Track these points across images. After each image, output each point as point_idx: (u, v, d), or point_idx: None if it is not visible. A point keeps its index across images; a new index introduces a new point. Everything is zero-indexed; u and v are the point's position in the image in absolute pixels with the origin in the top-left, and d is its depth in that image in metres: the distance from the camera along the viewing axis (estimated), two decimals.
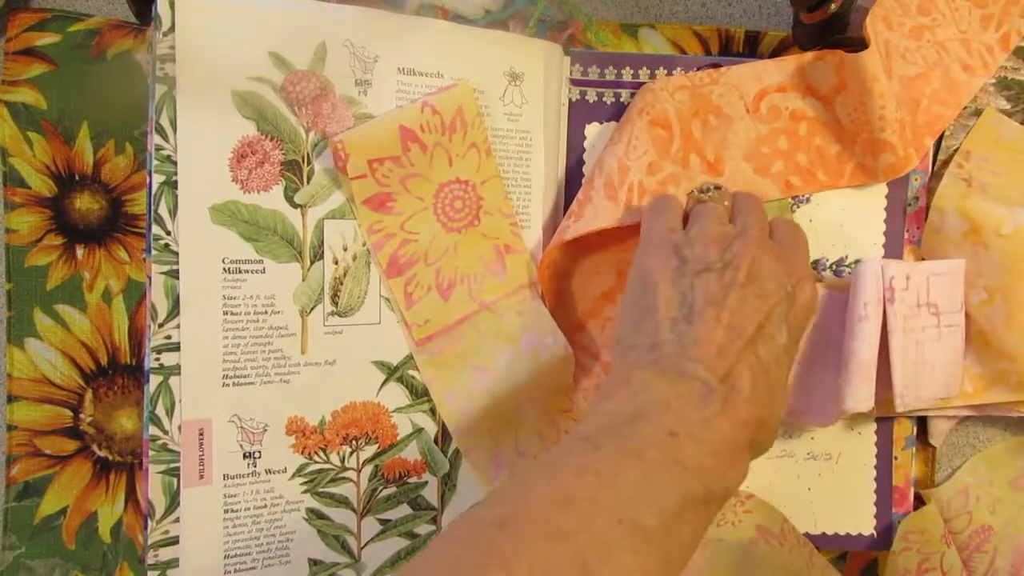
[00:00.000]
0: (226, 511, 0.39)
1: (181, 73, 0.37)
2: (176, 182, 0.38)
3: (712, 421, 0.31)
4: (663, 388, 0.32)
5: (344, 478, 0.41)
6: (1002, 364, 0.43)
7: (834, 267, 0.46)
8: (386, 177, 0.41)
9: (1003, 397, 0.44)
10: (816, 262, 0.46)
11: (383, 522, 0.42)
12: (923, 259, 0.45)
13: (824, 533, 0.45)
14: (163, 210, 0.38)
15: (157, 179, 0.38)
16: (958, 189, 0.45)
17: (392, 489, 0.42)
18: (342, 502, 0.41)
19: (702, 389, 0.32)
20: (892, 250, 0.46)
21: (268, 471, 0.40)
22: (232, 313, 0.39)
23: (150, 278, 0.38)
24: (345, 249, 0.41)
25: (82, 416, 0.43)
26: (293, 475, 0.41)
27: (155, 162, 0.38)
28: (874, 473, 0.46)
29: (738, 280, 0.35)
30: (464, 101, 0.42)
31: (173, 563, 0.38)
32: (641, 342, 0.35)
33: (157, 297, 0.38)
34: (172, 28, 0.37)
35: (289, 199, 0.40)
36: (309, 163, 0.40)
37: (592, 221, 0.41)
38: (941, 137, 0.46)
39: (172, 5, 0.37)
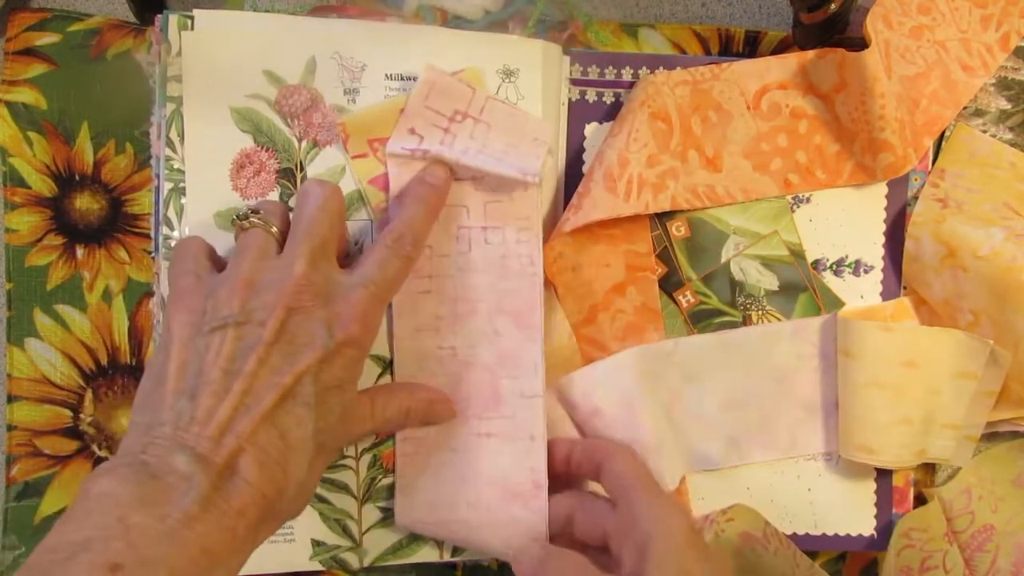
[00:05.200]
0: None
1: (187, 95, 0.40)
2: (184, 188, 0.41)
3: (181, 532, 0.26)
4: (127, 498, 0.27)
5: (343, 465, 0.42)
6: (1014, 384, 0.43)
7: (834, 267, 0.46)
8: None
9: (1007, 414, 0.44)
10: (816, 262, 0.46)
11: (384, 510, 0.42)
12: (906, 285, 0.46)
13: (824, 533, 0.45)
14: (172, 213, 0.41)
15: (167, 186, 0.41)
16: (933, 212, 0.45)
17: (391, 479, 0.42)
18: (342, 488, 0.42)
19: (183, 487, 0.27)
20: (892, 250, 0.46)
21: None
22: None
23: (158, 274, 0.41)
24: None
25: (82, 416, 0.43)
26: None
27: (165, 171, 0.40)
28: (874, 473, 0.45)
29: (263, 338, 0.31)
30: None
31: None
32: (141, 422, 0.30)
33: (165, 289, 0.40)
34: (180, 52, 0.40)
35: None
36: (302, 170, 0.42)
37: (591, 212, 0.41)
38: (941, 137, 0.46)
39: (180, 33, 0.40)
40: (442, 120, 0.41)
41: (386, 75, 0.42)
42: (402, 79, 0.42)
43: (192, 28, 0.40)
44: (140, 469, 0.28)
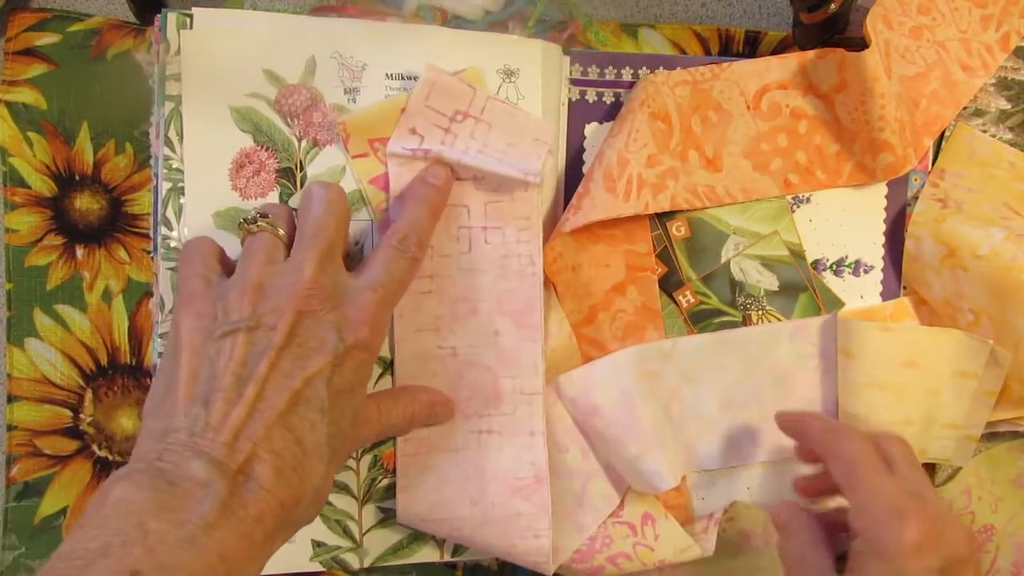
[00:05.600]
0: None
1: (185, 94, 0.40)
2: (183, 188, 0.40)
3: (200, 538, 0.26)
4: (145, 504, 0.27)
5: (344, 466, 0.42)
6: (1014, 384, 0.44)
7: (834, 267, 0.46)
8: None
9: (1007, 414, 0.44)
10: (816, 262, 0.46)
11: (384, 510, 0.42)
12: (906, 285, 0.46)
13: None
14: (170, 213, 0.40)
15: (165, 185, 0.40)
16: (933, 212, 0.45)
17: (392, 479, 0.42)
18: (343, 489, 0.42)
19: (200, 493, 0.27)
20: (892, 250, 0.46)
21: None
22: None
23: (157, 274, 0.40)
24: None
25: (82, 416, 0.43)
26: None
27: (164, 171, 0.40)
28: None
29: (273, 342, 0.31)
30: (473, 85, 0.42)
31: None
32: (155, 428, 0.30)
33: (165, 290, 0.40)
34: (179, 51, 0.40)
35: (284, 204, 0.41)
36: (302, 170, 0.41)
37: (590, 213, 0.41)
38: (941, 137, 0.46)
39: (179, 32, 0.40)
40: (443, 120, 0.41)
41: (387, 74, 0.42)
42: (403, 78, 0.42)
43: (191, 27, 0.40)
44: (157, 475, 0.28)
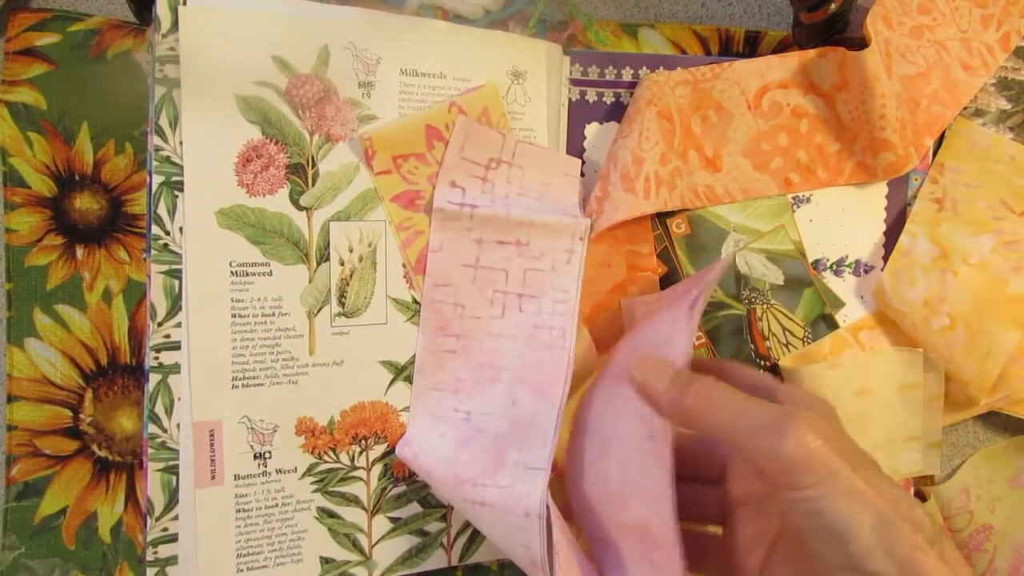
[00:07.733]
0: (238, 511, 0.39)
1: (184, 78, 0.38)
2: (176, 182, 0.39)
3: None
4: None
5: (354, 477, 0.42)
6: (952, 386, 0.45)
7: (834, 267, 0.46)
8: (412, 174, 0.41)
9: (965, 415, 0.45)
10: (816, 262, 0.46)
11: (393, 520, 0.42)
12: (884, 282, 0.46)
13: None
14: (162, 210, 0.39)
15: (156, 179, 0.38)
16: (929, 213, 0.45)
17: (402, 487, 0.42)
18: (352, 501, 0.42)
19: None
20: (892, 250, 0.46)
21: (279, 471, 0.40)
22: (240, 316, 0.39)
23: (150, 277, 0.39)
24: (351, 250, 0.41)
25: (82, 416, 0.43)
26: (303, 475, 0.41)
27: (155, 162, 0.38)
28: None
29: None
30: (490, 102, 0.42)
31: (172, 560, 0.39)
32: None
33: (156, 296, 0.39)
34: (172, 29, 0.38)
35: (294, 202, 0.40)
36: (314, 166, 0.40)
37: (613, 215, 0.41)
38: (941, 137, 0.46)
39: (172, 8, 0.38)
40: (479, 169, 0.41)
41: (401, 70, 0.41)
42: (417, 75, 0.41)
43: (186, 3, 0.38)
44: None
